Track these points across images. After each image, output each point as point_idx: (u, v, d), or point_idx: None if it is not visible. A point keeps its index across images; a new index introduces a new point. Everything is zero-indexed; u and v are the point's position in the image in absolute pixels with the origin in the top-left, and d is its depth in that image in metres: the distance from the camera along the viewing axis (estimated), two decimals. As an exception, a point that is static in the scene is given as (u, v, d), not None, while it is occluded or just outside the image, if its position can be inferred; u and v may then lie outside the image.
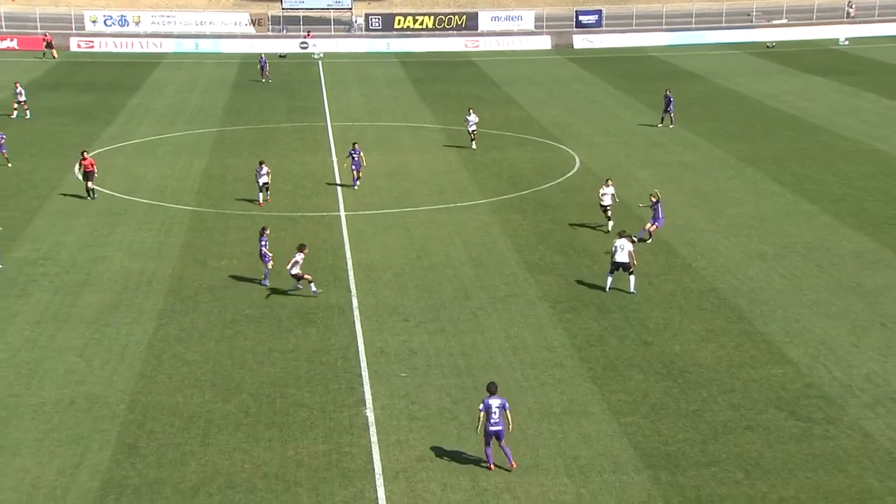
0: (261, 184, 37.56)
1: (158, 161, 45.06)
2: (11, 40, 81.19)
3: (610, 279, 29.03)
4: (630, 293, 28.59)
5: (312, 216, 36.75)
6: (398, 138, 50.39)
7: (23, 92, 53.80)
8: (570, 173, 43.07)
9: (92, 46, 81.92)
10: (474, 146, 46.81)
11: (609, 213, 34.70)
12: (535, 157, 46.09)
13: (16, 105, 53.26)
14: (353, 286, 29.62)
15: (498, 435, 19.50)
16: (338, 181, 41.16)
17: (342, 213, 36.97)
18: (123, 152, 46.78)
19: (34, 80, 65.91)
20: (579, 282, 29.94)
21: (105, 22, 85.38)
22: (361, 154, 39.75)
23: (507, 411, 19.55)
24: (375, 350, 25.29)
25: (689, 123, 52.78)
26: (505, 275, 30.63)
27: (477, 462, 20.00)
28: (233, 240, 33.90)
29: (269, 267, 29.47)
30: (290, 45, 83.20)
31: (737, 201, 38.54)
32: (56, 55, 76.62)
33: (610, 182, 34.97)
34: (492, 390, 19.71)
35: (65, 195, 38.93)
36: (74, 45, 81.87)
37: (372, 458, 20.21)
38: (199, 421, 21.66)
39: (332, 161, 44.77)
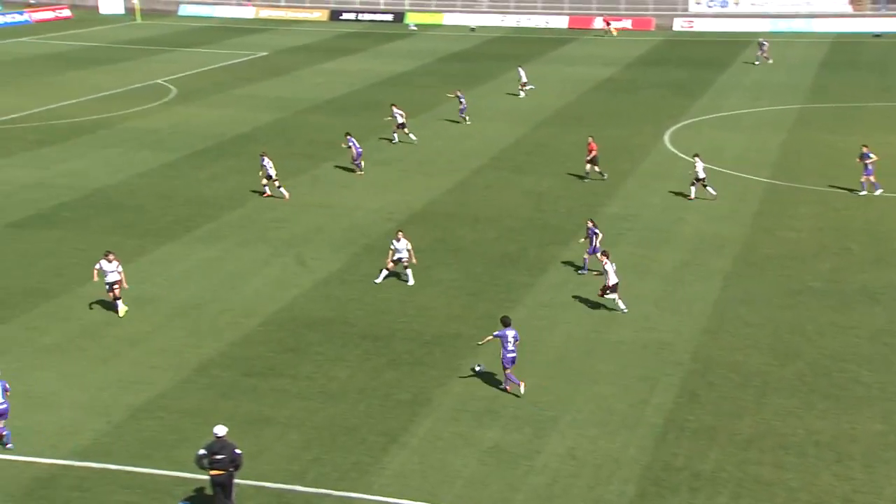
0: (695, 179, 34.16)
1: (740, 133, 44.48)
2: (626, 20, 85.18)
3: None
4: None
5: (891, 197, 33.76)
6: None
7: (523, 74, 54.74)
8: None
9: (692, 26, 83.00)
10: None
11: None
12: None
13: (521, 85, 54.42)
14: (927, 271, 26.77)
15: (509, 361, 20.57)
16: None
17: (923, 196, 33.44)
18: (709, 124, 46.92)
19: (640, 57, 68.62)
20: None
21: (708, 4, 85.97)
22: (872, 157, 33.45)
23: (517, 341, 20.63)
24: (946, 339, 22.63)
25: None
26: None
27: None
28: (803, 213, 32.45)
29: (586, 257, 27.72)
30: (887, 24, 76.62)
31: None
32: (616, 33, 79.41)
33: None
34: (506, 322, 20.76)
35: (655, 161, 40.17)
36: (677, 25, 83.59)
37: (930, 447, 18.22)
38: (755, 380, 21.23)
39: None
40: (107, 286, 24.83)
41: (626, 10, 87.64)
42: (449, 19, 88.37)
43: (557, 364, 22.46)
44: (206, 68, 62.64)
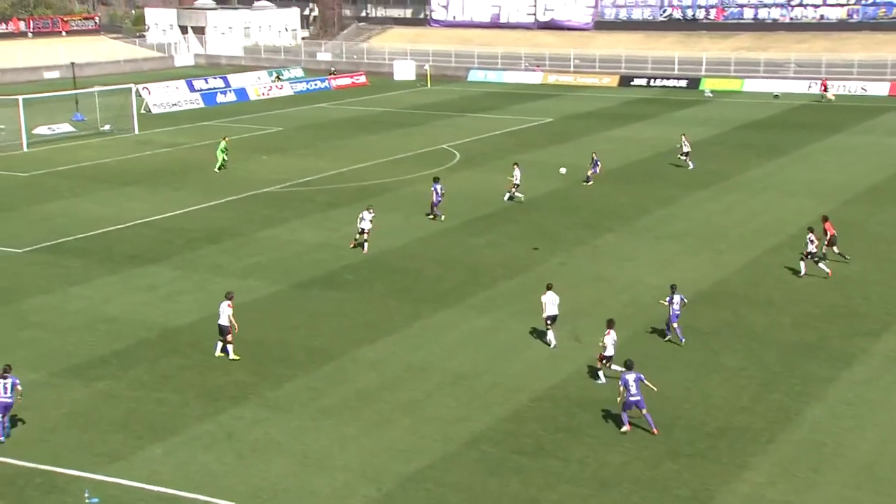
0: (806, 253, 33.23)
1: None
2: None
3: None
4: None
5: None
6: None
7: (687, 143, 52.44)
8: None
9: None
10: None
11: None
12: None
13: (681, 156, 52.33)
14: None
15: (638, 404, 22.26)
16: None
17: None
18: None
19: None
20: None
21: None
22: None
23: (645, 382, 22.51)
24: None
25: None
26: None
27: None
28: None
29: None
30: None
31: None
32: (833, 98, 76.85)
33: None
34: (629, 366, 22.51)
35: None
36: None
37: None
38: None
39: None
40: (220, 328, 27.11)
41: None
42: (750, 85, 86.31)
43: (866, 472, 20.75)
44: (490, 134, 64.97)
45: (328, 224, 41.97)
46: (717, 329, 29.18)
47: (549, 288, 27.87)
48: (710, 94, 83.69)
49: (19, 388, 22.68)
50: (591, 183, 48.61)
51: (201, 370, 26.69)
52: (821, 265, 33.54)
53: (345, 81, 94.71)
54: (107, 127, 67.20)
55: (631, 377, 22.48)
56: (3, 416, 22.40)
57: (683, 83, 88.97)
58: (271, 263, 36.44)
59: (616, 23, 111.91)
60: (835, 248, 34.95)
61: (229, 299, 27.20)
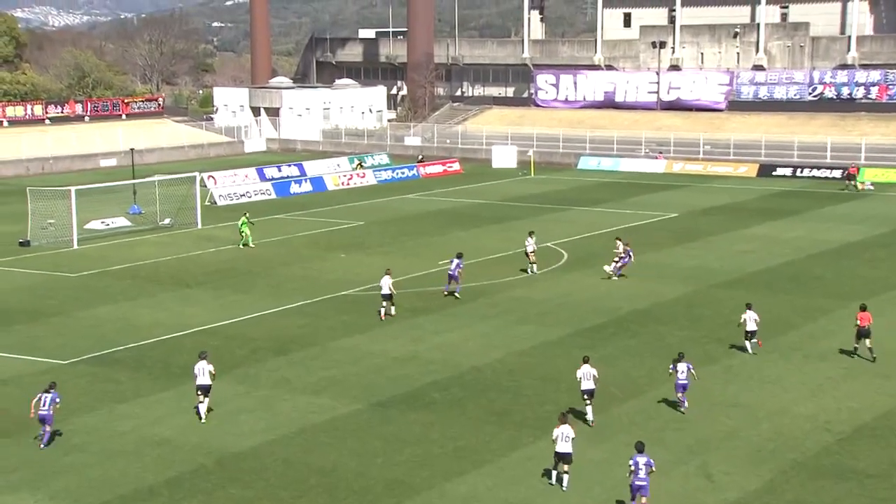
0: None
1: None
2: None
3: None
4: None
5: None
6: None
7: (622, 248, 51.59)
8: None
9: None
10: None
11: None
12: None
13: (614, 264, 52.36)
14: None
15: (642, 491, 23.55)
16: None
17: None
18: None
19: None
20: None
21: None
22: None
23: (653, 468, 23.93)
24: None
25: None
26: None
27: None
28: None
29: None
30: None
31: None
32: (861, 188, 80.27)
33: None
34: (639, 448, 24.09)
35: None
36: None
37: None
38: None
39: None
40: (197, 390, 32.30)
41: None
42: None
43: None
44: (603, 230, 64.92)
45: (414, 333, 42.15)
46: (885, 472, 28.07)
47: (585, 361, 31.37)
48: (871, 187, 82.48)
49: (57, 403, 30.18)
50: (619, 275, 50.88)
51: (264, 503, 26.74)
52: (747, 342, 37.94)
53: (436, 169, 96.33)
54: (167, 221, 69.33)
55: (642, 460, 24.00)
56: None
57: (837, 174, 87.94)
58: (347, 378, 36.64)
59: (755, 103, 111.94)
60: (867, 342, 37.09)
61: (205, 358, 32.41)
